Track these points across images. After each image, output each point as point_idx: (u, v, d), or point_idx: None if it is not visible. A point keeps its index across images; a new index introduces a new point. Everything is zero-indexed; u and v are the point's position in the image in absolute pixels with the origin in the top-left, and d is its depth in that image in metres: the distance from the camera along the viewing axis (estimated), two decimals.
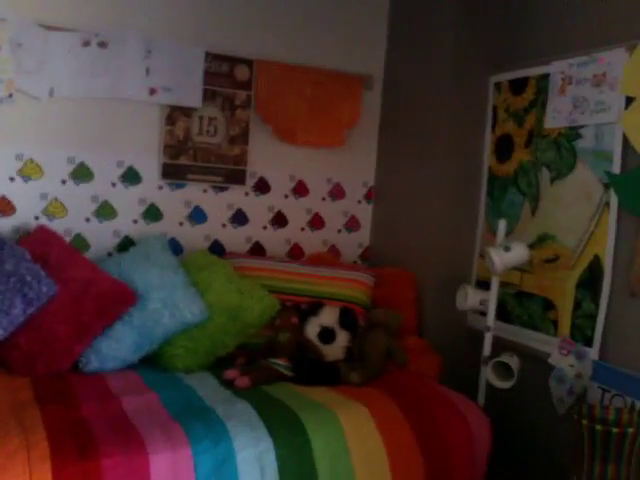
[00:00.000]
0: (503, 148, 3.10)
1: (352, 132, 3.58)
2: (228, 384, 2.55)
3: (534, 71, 2.90)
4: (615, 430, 2.12)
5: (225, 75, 3.29)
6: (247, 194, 3.44)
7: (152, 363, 2.75)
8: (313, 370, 2.69)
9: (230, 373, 2.61)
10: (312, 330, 2.83)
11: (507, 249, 2.67)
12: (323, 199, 3.62)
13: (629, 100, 2.41)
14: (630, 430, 2.13)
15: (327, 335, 2.81)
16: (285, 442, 2.16)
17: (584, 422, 2.18)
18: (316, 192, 3.60)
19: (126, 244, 3.14)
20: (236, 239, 3.44)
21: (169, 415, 2.22)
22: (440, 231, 3.26)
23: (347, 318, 2.86)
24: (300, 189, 3.56)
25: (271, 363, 2.71)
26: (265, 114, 3.38)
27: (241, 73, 3.32)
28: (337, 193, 3.65)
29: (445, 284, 3.18)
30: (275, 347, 2.83)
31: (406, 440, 2.35)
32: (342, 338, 2.82)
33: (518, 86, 3.00)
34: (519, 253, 2.68)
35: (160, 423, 2.14)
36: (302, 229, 3.59)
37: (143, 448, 1.98)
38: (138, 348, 2.70)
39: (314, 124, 3.46)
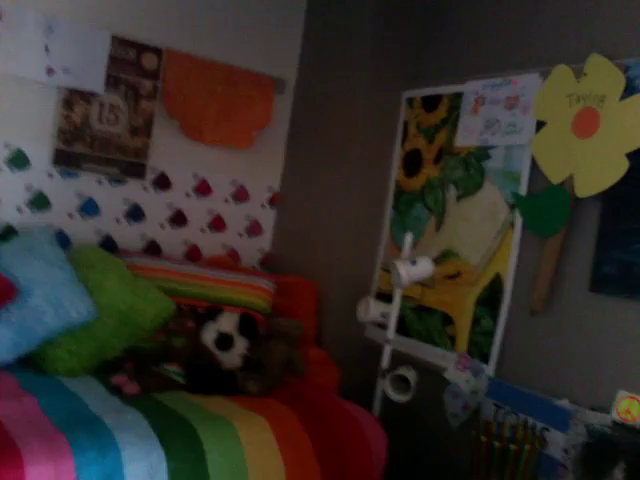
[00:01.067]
0: (412, 163, 3.12)
1: (261, 135, 3.49)
2: (115, 391, 2.38)
3: (447, 89, 2.93)
4: (513, 447, 2.15)
5: (131, 62, 3.10)
6: (146, 189, 3.26)
7: (30, 365, 2.51)
8: (209, 378, 2.57)
9: (118, 379, 2.44)
10: (209, 336, 2.70)
11: (414, 263, 2.67)
12: (226, 201, 3.49)
13: (540, 124, 2.48)
14: (527, 447, 2.16)
15: (224, 342, 2.69)
16: (178, 454, 2.03)
17: (483, 438, 2.19)
18: (219, 193, 3.46)
19: (8, 234, 2.87)
20: (130, 236, 3.24)
21: (50, 423, 2.02)
22: (343, 241, 3.23)
23: (246, 325, 2.75)
24: (203, 188, 3.41)
25: (163, 369, 2.56)
26: (172, 108, 3.22)
27: (149, 62, 3.14)
28: (241, 195, 3.53)
29: (346, 295, 3.15)
30: (168, 352, 2.68)
31: (305, 453, 2.28)
32: (240, 345, 2.71)
33: (431, 103, 3.03)
34: (425, 267, 2.69)
35: (39, 431, 1.95)
36: (202, 230, 3.44)
37: (19, 459, 1.79)
38: (15, 347, 2.45)
39: (222, 123, 3.33)
